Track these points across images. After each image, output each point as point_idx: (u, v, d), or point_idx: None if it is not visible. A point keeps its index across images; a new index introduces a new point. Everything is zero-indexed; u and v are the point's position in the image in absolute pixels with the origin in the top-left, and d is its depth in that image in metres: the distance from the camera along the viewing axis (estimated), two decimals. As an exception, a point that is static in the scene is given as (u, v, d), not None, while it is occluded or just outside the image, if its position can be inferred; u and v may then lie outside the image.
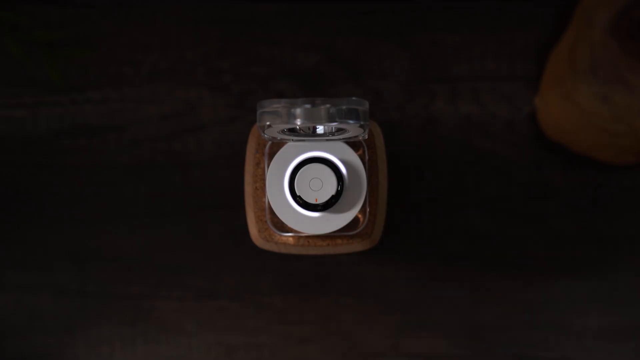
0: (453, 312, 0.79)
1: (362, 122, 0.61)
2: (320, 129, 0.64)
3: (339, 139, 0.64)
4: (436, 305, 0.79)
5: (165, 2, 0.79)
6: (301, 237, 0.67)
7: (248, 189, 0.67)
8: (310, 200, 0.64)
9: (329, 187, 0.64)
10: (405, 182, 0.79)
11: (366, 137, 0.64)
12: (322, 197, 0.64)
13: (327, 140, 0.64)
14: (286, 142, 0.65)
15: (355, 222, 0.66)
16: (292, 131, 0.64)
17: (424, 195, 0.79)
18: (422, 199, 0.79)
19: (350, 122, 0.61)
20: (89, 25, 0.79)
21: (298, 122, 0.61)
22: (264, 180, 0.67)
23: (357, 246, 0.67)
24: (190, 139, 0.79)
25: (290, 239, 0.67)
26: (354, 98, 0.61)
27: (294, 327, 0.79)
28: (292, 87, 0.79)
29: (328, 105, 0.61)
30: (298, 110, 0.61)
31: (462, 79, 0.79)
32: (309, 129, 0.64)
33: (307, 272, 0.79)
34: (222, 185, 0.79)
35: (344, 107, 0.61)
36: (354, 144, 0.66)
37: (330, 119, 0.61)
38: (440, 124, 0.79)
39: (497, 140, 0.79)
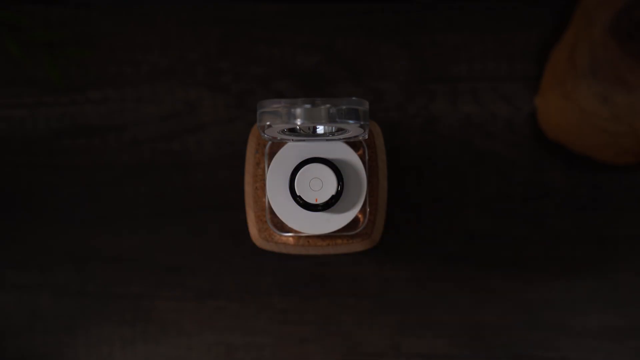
0: (453, 312, 0.79)
1: (362, 122, 0.61)
2: (320, 129, 0.64)
3: (339, 139, 0.64)
4: (436, 305, 0.79)
5: (165, 2, 0.79)
6: (301, 237, 0.67)
7: (248, 189, 0.67)
8: (311, 200, 0.64)
9: (329, 187, 0.64)
10: (405, 182, 0.79)
11: (366, 137, 0.64)
12: (322, 197, 0.64)
13: (327, 140, 0.64)
14: (286, 142, 0.65)
15: (355, 222, 0.66)
16: (292, 131, 0.64)
17: (424, 195, 0.79)
18: (422, 199, 0.79)
19: (350, 122, 0.61)
20: (89, 25, 0.79)
21: (298, 122, 0.61)
22: (264, 180, 0.67)
23: (357, 246, 0.67)
24: (190, 139, 0.79)
25: (290, 239, 0.67)
26: (354, 98, 0.61)
27: (294, 327, 0.79)
28: (292, 87, 0.79)
29: (328, 105, 0.61)
30: (298, 110, 0.61)
31: (462, 79, 0.79)
32: (309, 129, 0.64)
33: (307, 272, 0.79)
34: (222, 185, 0.79)
35: (344, 107, 0.61)
36: (354, 144, 0.66)
37: (330, 119, 0.61)
38: (440, 124, 0.79)
39: (497, 140, 0.79)
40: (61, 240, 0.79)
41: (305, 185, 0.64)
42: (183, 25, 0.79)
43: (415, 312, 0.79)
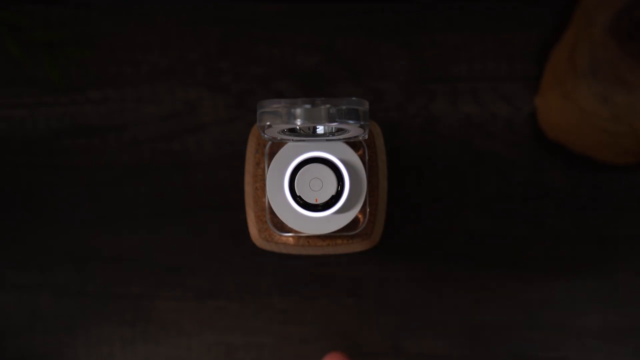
0: (453, 312, 0.79)
1: (362, 122, 0.61)
2: (320, 129, 0.64)
3: (339, 139, 0.64)
4: (436, 305, 0.79)
5: (165, 2, 0.79)
6: (301, 237, 0.67)
7: (248, 189, 0.67)
8: (310, 200, 0.64)
9: (329, 187, 0.64)
10: (405, 182, 0.79)
11: (366, 137, 0.64)
12: (322, 197, 0.64)
13: (327, 140, 0.64)
14: (286, 142, 0.65)
15: (355, 222, 0.66)
16: (292, 131, 0.64)
17: (424, 195, 0.79)
18: (422, 199, 0.79)
19: (350, 122, 0.61)
20: (89, 25, 0.79)
21: (298, 122, 0.61)
22: (264, 180, 0.67)
23: (357, 246, 0.67)
24: (190, 139, 0.79)
25: (290, 239, 0.67)
26: (354, 98, 0.61)
27: (294, 327, 0.79)
28: (292, 87, 0.79)
29: (328, 105, 0.61)
30: (298, 110, 0.61)
31: (462, 79, 0.79)
32: (309, 129, 0.64)
33: (307, 272, 0.79)
34: (222, 185, 0.79)
35: (344, 107, 0.61)
36: (354, 144, 0.66)
37: (330, 119, 0.61)
38: (440, 124, 0.79)
39: (497, 140, 0.79)
40: (61, 240, 0.79)
41: (305, 185, 0.64)
42: (183, 25, 0.79)
43: (415, 312, 0.79)
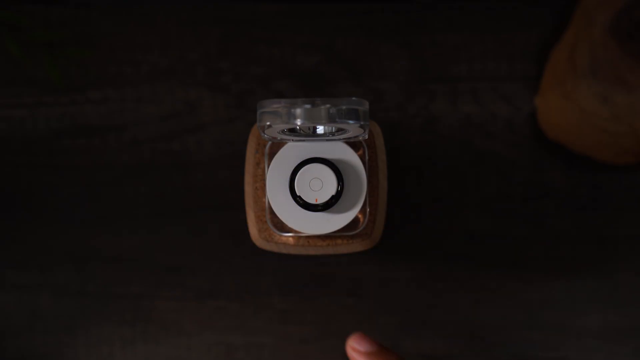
0: (453, 312, 0.79)
1: (362, 122, 0.61)
2: (320, 129, 0.64)
3: (339, 139, 0.64)
4: (436, 305, 0.79)
5: (165, 2, 0.79)
6: (301, 237, 0.67)
7: (248, 189, 0.67)
8: (310, 200, 0.64)
9: (329, 187, 0.64)
10: (405, 182, 0.79)
11: (366, 137, 0.64)
12: (322, 197, 0.64)
13: (327, 140, 0.64)
14: (286, 142, 0.65)
15: (355, 222, 0.66)
16: (292, 131, 0.64)
17: (424, 195, 0.79)
18: (422, 199, 0.79)
19: (350, 122, 0.61)
20: (89, 25, 0.79)
21: (298, 122, 0.61)
22: (264, 180, 0.67)
23: (357, 246, 0.67)
24: (190, 139, 0.79)
25: (290, 239, 0.67)
26: (354, 98, 0.61)
27: (294, 327, 0.79)
28: (292, 87, 0.79)
29: (328, 106, 0.61)
30: (298, 110, 0.61)
31: (462, 79, 0.79)
32: (309, 129, 0.64)
33: (307, 272, 0.79)
34: (222, 185, 0.79)
35: (344, 107, 0.61)
36: (354, 144, 0.66)
37: (330, 119, 0.61)
38: (440, 124, 0.79)
39: (497, 140, 0.79)
40: (61, 240, 0.79)
41: (305, 185, 0.64)
42: (183, 25, 0.79)
43: (415, 312, 0.79)
